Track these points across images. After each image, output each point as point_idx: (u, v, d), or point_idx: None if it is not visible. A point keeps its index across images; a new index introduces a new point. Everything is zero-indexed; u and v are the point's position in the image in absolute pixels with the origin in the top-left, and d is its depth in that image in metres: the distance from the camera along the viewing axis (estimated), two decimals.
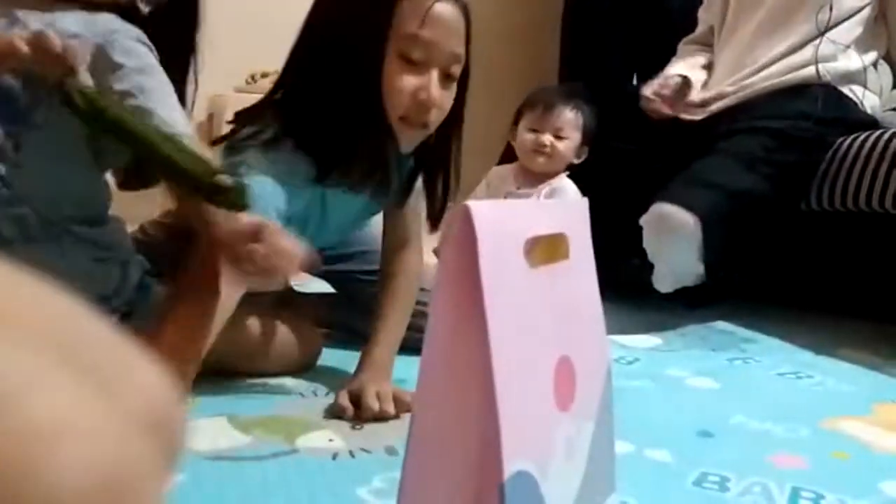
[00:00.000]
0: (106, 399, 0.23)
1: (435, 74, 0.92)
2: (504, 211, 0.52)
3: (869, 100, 1.73)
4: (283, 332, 1.15)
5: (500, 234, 0.47)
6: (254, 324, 1.13)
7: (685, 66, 1.88)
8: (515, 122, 1.76)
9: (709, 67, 1.90)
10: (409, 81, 0.91)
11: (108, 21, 0.93)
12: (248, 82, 2.11)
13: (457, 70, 0.95)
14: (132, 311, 0.97)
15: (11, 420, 0.19)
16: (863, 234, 1.64)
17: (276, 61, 2.16)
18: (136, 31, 0.92)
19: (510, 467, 0.44)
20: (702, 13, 2.02)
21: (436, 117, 0.95)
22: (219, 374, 1.12)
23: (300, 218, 1.02)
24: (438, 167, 1.04)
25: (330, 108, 0.92)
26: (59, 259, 0.87)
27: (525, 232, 0.50)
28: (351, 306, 1.31)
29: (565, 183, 1.73)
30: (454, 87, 0.95)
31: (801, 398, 1.15)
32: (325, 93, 0.93)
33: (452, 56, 0.93)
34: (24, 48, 0.77)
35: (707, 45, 1.97)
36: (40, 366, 0.21)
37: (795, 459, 0.89)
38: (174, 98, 0.89)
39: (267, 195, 0.88)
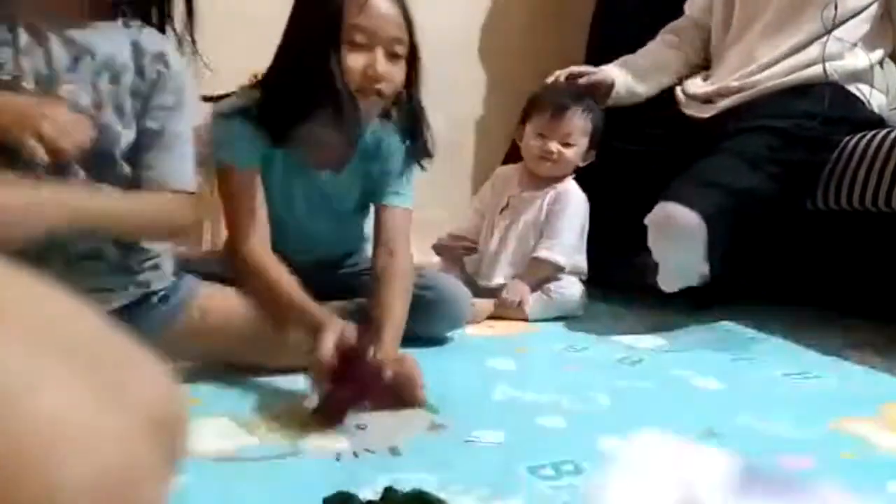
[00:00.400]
0: (109, 400, 0.22)
1: (380, 54, 1.13)
2: None
3: (876, 98, 1.72)
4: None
5: None
6: (253, 316, 1.13)
7: (622, 69, 1.89)
8: (523, 121, 1.76)
9: (646, 74, 1.90)
10: (357, 61, 1.13)
11: (156, 42, 1.00)
12: (250, 82, 2.11)
13: (400, 49, 1.16)
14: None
15: (14, 421, 0.19)
16: (869, 233, 1.63)
17: None
18: (178, 58, 1.02)
19: None
20: (687, 7, 2.01)
21: (387, 88, 1.16)
22: (227, 372, 1.12)
23: (294, 205, 1.27)
24: (411, 118, 1.25)
25: (292, 84, 1.16)
26: None
27: None
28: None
29: (570, 187, 1.73)
30: (402, 63, 1.17)
31: (807, 399, 1.14)
32: (291, 74, 1.17)
33: (392, 39, 1.14)
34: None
35: (685, 37, 1.96)
36: (43, 366, 0.21)
37: (802, 460, 0.88)
38: (190, 146, 1.03)
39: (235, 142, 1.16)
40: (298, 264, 1.16)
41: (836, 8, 1.66)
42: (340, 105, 1.12)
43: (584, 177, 1.75)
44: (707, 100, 1.82)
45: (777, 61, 1.73)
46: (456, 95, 2.26)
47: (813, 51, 1.69)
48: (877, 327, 1.57)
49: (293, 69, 1.16)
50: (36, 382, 0.21)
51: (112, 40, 0.97)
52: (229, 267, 1.16)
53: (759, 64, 1.75)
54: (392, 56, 1.14)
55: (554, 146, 1.68)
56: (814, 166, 1.63)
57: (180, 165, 1.01)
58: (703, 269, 1.52)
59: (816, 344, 1.44)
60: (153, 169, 0.99)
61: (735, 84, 1.76)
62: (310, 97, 1.15)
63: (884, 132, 1.57)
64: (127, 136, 0.98)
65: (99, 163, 0.95)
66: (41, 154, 0.84)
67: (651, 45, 1.98)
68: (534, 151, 1.71)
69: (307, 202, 1.28)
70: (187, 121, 1.03)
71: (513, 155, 1.82)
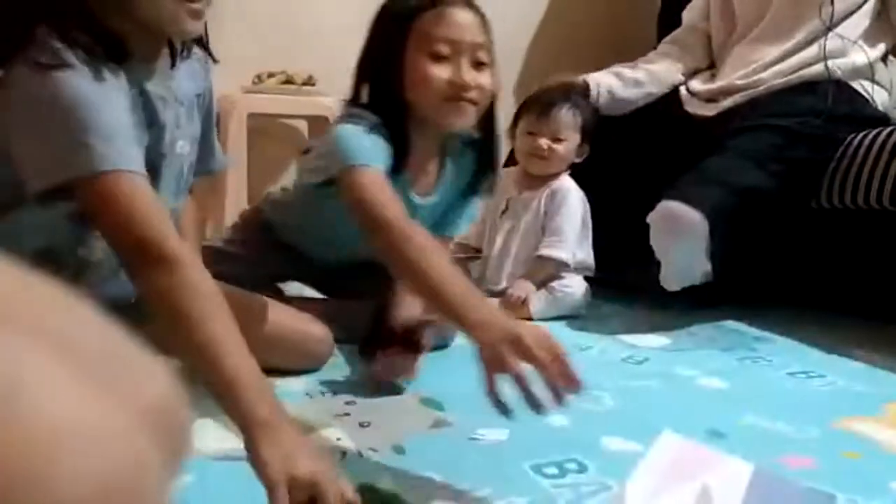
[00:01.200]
0: (111, 400, 0.22)
1: (464, 62, 1.12)
2: None
3: (879, 95, 1.72)
4: (291, 326, 1.16)
5: None
6: (261, 315, 1.13)
7: (607, 74, 1.89)
8: (514, 124, 1.76)
9: (634, 82, 1.89)
10: (442, 72, 1.12)
11: (207, 68, 1.03)
12: (254, 82, 2.11)
13: (484, 56, 1.14)
14: None
15: (16, 422, 0.19)
16: (873, 232, 1.63)
17: (282, 62, 2.18)
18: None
19: None
20: (686, 15, 2.01)
21: (478, 95, 1.14)
22: None
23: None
24: (486, 137, 1.26)
25: (392, 107, 1.14)
26: None
27: None
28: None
29: (565, 183, 1.73)
30: (488, 70, 1.15)
31: (812, 398, 1.14)
32: (387, 97, 1.15)
33: (475, 45, 1.13)
34: None
35: (685, 45, 1.97)
36: (45, 368, 0.21)
37: (806, 459, 0.88)
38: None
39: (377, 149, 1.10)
40: (337, 262, 1.25)
41: (832, 4, 1.65)
42: (420, 120, 1.16)
43: (586, 175, 1.75)
44: (711, 98, 1.82)
45: (780, 60, 1.73)
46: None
47: (815, 49, 1.69)
48: (881, 326, 1.56)
49: (386, 91, 1.16)
50: (41, 384, 0.21)
51: (185, 81, 0.97)
52: (389, 259, 0.97)
53: (762, 63, 1.75)
54: (477, 64, 1.13)
55: (544, 142, 1.68)
56: (817, 164, 1.62)
57: (218, 147, 1.10)
58: (706, 267, 1.51)
59: (821, 343, 1.44)
60: (199, 160, 1.05)
61: (739, 83, 1.76)
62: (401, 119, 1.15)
63: (888, 130, 1.56)
64: (192, 156, 1.02)
65: (181, 189, 1.00)
66: None
67: (649, 55, 1.99)
68: (525, 149, 1.71)
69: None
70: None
71: (511, 159, 1.82)
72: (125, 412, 0.23)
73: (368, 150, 1.08)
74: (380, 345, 1.12)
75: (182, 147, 0.96)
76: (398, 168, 1.14)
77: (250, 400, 0.69)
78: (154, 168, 0.88)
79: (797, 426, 0.99)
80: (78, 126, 0.76)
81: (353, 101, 1.20)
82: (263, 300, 1.16)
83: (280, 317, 1.15)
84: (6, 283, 0.25)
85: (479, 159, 1.28)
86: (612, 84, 1.87)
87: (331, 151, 1.10)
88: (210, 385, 0.72)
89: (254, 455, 0.67)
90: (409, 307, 1.20)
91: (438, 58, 1.12)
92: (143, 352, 0.27)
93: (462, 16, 1.13)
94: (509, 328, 0.79)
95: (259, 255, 1.37)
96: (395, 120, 1.14)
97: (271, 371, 1.13)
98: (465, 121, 1.17)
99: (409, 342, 1.12)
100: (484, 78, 1.14)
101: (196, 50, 0.98)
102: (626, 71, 1.91)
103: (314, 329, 1.17)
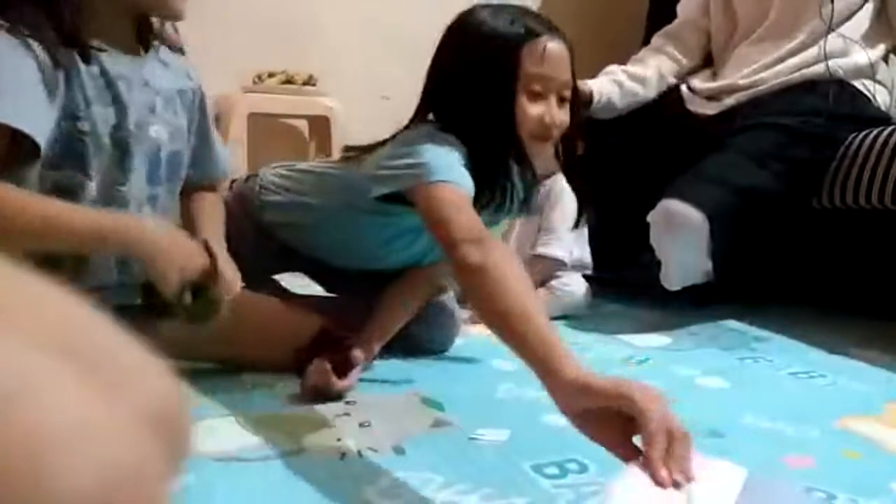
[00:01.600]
0: (113, 401, 0.22)
1: (553, 100, 1.10)
2: None
3: (881, 94, 1.72)
4: (278, 314, 1.16)
5: None
6: (269, 313, 1.16)
7: (612, 84, 1.87)
8: None
9: (639, 93, 1.88)
10: (535, 109, 1.09)
11: (178, 59, 1.08)
12: (254, 82, 2.11)
13: (568, 93, 1.12)
14: None
15: (19, 422, 0.19)
16: (874, 231, 1.63)
17: (282, 61, 2.17)
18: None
19: None
20: (680, 9, 1.99)
21: (558, 132, 1.13)
22: (231, 372, 1.12)
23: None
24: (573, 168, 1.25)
25: (471, 138, 1.09)
26: None
27: None
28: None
29: (560, 182, 1.72)
30: (567, 106, 1.13)
31: (812, 398, 1.14)
32: (464, 127, 1.10)
33: (564, 83, 1.11)
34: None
35: (681, 40, 1.94)
36: (48, 367, 0.21)
37: (807, 459, 0.88)
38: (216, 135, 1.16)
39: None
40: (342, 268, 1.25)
41: (832, 3, 1.65)
42: (525, 157, 1.13)
43: (586, 174, 1.74)
44: (712, 97, 1.81)
45: (781, 60, 1.73)
46: None
47: (816, 48, 1.69)
48: (883, 326, 1.56)
49: (479, 122, 1.10)
50: (43, 384, 0.21)
51: (159, 71, 1.04)
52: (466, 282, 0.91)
53: (763, 63, 1.75)
54: (561, 101, 1.12)
55: None
56: (819, 164, 1.62)
57: (220, 156, 1.16)
58: (707, 266, 1.51)
59: (822, 342, 1.44)
60: (197, 167, 1.11)
61: (741, 83, 1.76)
62: (498, 151, 1.12)
63: (889, 130, 1.56)
64: (187, 154, 1.09)
65: (174, 187, 1.07)
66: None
67: (642, 53, 1.97)
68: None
69: None
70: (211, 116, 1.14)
71: None
72: (127, 412, 0.23)
73: (460, 172, 1.02)
74: (316, 352, 1.09)
75: (157, 132, 1.01)
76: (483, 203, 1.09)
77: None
78: (121, 144, 0.96)
79: (797, 426, 0.99)
80: None
81: (422, 120, 1.15)
82: (270, 299, 1.17)
83: (278, 313, 1.16)
84: (7, 283, 0.25)
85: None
86: (613, 94, 1.85)
87: (410, 164, 1.03)
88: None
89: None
90: (388, 317, 1.22)
91: (534, 95, 1.09)
92: (145, 353, 0.27)
93: (558, 51, 1.09)
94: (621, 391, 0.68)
95: (255, 255, 1.34)
96: (496, 155, 1.11)
97: (273, 370, 1.14)
98: (545, 157, 1.17)
99: (341, 353, 1.08)
100: (565, 115, 1.12)
101: (175, 57, 1.07)
102: (626, 81, 1.88)
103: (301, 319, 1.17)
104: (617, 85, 1.87)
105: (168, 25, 1.05)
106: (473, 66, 1.10)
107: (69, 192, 0.92)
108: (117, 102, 0.95)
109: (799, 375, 1.25)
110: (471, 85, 1.10)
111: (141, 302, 0.94)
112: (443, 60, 1.15)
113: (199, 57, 1.22)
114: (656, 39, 1.98)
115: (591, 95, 1.81)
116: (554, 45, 1.09)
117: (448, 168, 1.01)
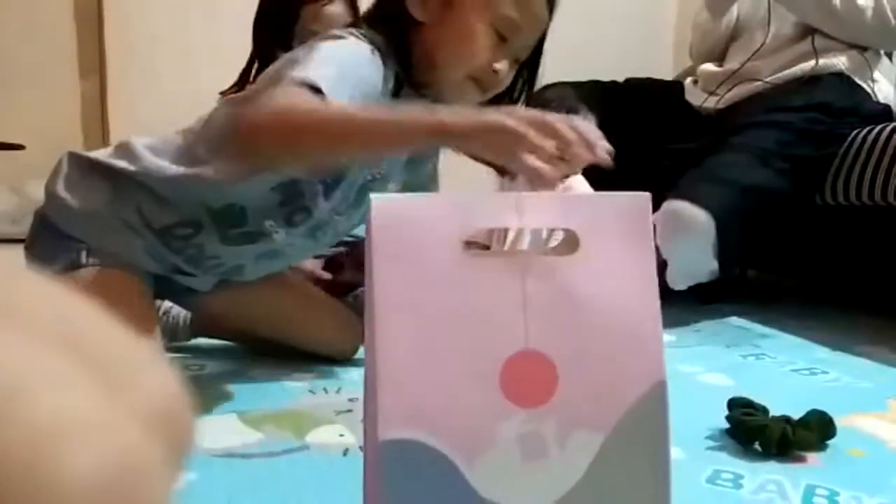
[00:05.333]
0: (114, 397, 0.22)
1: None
2: (437, 205, 0.51)
3: (882, 89, 1.72)
4: (324, 310, 1.22)
5: (412, 227, 0.49)
6: (298, 292, 1.20)
7: None
8: None
9: None
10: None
11: None
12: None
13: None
14: None
15: (17, 419, 0.19)
16: (878, 228, 1.62)
17: None
18: None
19: (391, 433, 0.46)
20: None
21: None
22: (233, 369, 1.12)
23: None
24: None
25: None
26: None
27: (465, 224, 0.51)
28: None
29: (579, 181, 1.72)
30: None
31: (816, 394, 1.14)
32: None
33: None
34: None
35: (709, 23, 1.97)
36: (47, 363, 0.21)
37: (810, 456, 0.88)
38: None
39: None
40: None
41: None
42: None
43: (591, 174, 1.74)
44: (712, 85, 1.81)
45: (777, 50, 1.73)
46: None
47: (817, 41, 1.69)
48: (887, 322, 1.56)
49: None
50: (42, 379, 0.21)
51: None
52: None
53: (762, 51, 1.75)
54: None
55: None
56: (822, 160, 1.62)
57: None
58: (712, 265, 1.51)
59: (826, 339, 1.44)
60: None
61: (736, 66, 1.76)
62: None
63: (892, 125, 1.56)
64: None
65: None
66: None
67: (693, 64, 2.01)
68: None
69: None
70: None
71: None
72: (128, 408, 0.23)
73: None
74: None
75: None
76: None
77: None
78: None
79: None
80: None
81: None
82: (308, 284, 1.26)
83: (311, 299, 1.22)
84: (6, 278, 0.25)
85: None
86: None
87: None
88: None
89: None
90: None
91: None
92: (147, 348, 0.27)
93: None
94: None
95: None
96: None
97: (277, 369, 1.14)
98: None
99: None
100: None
101: None
102: None
103: (344, 319, 1.22)
104: None
105: None
106: None
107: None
108: None
109: (803, 372, 1.25)
110: None
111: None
112: None
113: None
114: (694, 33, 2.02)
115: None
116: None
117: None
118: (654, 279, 0.58)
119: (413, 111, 0.81)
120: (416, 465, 0.46)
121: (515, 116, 0.77)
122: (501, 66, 0.99)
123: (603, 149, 0.83)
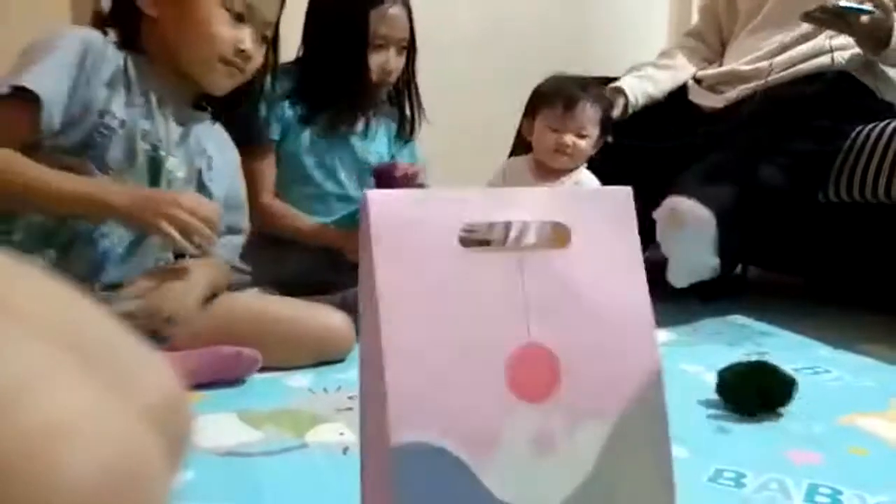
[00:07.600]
0: (115, 397, 0.22)
1: (392, 51, 1.42)
2: (434, 202, 0.51)
3: (884, 86, 1.71)
4: (310, 320, 1.18)
5: (412, 227, 0.49)
6: (278, 314, 1.17)
7: (644, 81, 1.88)
8: (530, 115, 1.74)
9: (666, 89, 1.89)
10: (378, 60, 1.42)
11: (228, 138, 1.25)
12: None
13: (405, 44, 1.42)
14: None
15: (21, 418, 0.18)
16: (881, 225, 1.62)
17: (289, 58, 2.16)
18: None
19: (403, 437, 0.45)
20: (699, 8, 2.03)
21: (394, 77, 1.45)
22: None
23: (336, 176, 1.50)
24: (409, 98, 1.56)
25: (327, 77, 1.45)
26: None
27: (460, 217, 0.51)
28: None
29: (586, 175, 1.72)
30: (404, 53, 1.44)
31: (818, 393, 1.13)
32: (325, 70, 1.44)
33: (402, 39, 1.41)
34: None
35: (700, 38, 1.98)
36: (50, 364, 0.21)
37: (812, 455, 0.88)
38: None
39: None
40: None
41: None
42: (369, 93, 1.44)
43: (593, 171, 1.74)
44: (715, 85, 1.81)
45: (782, 50, 1.72)
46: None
47: (820, 40, 1.68)
48: (889, 321, 1.55)
49: (326, 67, 1.41)
50: (45, 380, 0.21)
51: (208, 133, 1.18)
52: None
53: (765, 52, 1.74)
54: (400, 51, 1.42)
55: (569, 139, 1.66)
56: (824, 157, 1.61)
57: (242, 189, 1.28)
58: (714, 263, 1.50)
59: (827, 338, 1.43)
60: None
61: (743, 69, 1.76)
62: (343, 87, 1.43)
63: (895, 123, 1.55)
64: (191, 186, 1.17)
65: None
66: (178, 239, 0.98)
67: (671, 50, 2.00)
68: (548, 145, 1.68)
69: (346, 170, 1.50)
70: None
71: (519, 147, 1.81)
72: (127, 407, 0.23)
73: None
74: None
75: (174, 165, 1.11)
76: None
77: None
78: (94, 137, 1.04)
79: (803, 422, 0.98)
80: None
81: None
82: (278, 299, 1.19)
83: (298, 313, 1.17)
84: (9, 278, 0.25)
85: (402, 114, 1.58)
86: (648, 90, 1.86)
87: None
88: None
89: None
90: None
91: (378, 47, 1.41)
92: (146, 348, 0.27)
93: (398, 13, 1.42)
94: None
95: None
96: (352, 93, 1.47)
97: (277, 368, 1.13)
98: (382, 94, 1.50)
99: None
100: (401, 62, 1.43)
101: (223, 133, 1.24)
102: (656, 73, 1.89)
103: (335, 319, 1.18)
104: (649, 81, 1.87)
105: None
106: (326, 26, 1.41)
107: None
108: (133, 105, 1.06)
109: (804, 371, 1.24)
110: (332, 39, 1.39)
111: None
112: (310, 19, 1.45)
113: None
114: (683, 39, 2.02)
115: (625, 97, 1.82)
116: (395, 10, 1.39)
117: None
118: (642, 269, 0.58)
119: (97, 185, 0.99)
120: (429, 470, 0.46)
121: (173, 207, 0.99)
122: (247, 45, 1.11)
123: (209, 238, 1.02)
